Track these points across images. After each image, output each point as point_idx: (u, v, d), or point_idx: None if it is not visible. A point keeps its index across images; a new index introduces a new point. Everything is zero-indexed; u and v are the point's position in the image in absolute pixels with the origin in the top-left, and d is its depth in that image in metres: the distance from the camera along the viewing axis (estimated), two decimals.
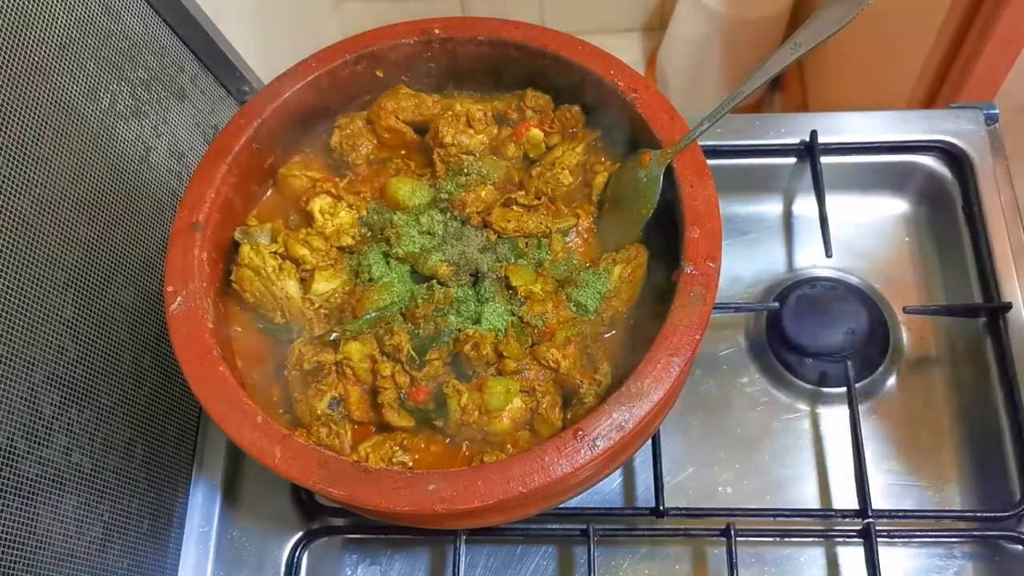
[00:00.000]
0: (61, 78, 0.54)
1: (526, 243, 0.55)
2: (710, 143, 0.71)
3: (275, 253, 0.55)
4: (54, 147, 0.53)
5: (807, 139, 0.72)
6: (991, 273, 0.66)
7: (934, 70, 0.80)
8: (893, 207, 0.75)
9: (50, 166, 0.52)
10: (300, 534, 0.64)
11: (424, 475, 0.44)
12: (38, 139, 0.51)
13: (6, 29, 0.48)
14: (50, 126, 0.52)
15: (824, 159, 0.71)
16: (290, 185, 0.59)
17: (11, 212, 0.48)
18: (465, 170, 0.57)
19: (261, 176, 0.58)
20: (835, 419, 0.66)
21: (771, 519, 0.61)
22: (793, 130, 0.73)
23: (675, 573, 0.62)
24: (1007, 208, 0.69)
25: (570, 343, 0.52)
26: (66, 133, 0.54)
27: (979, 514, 0.61)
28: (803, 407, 0.67)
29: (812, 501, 0.64)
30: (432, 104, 0.59)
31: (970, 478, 0.64)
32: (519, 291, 0.53)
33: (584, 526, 0.60)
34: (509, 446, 0.51)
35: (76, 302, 0.55)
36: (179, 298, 0.49)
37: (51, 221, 0.52)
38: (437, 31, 0.57)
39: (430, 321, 0.52)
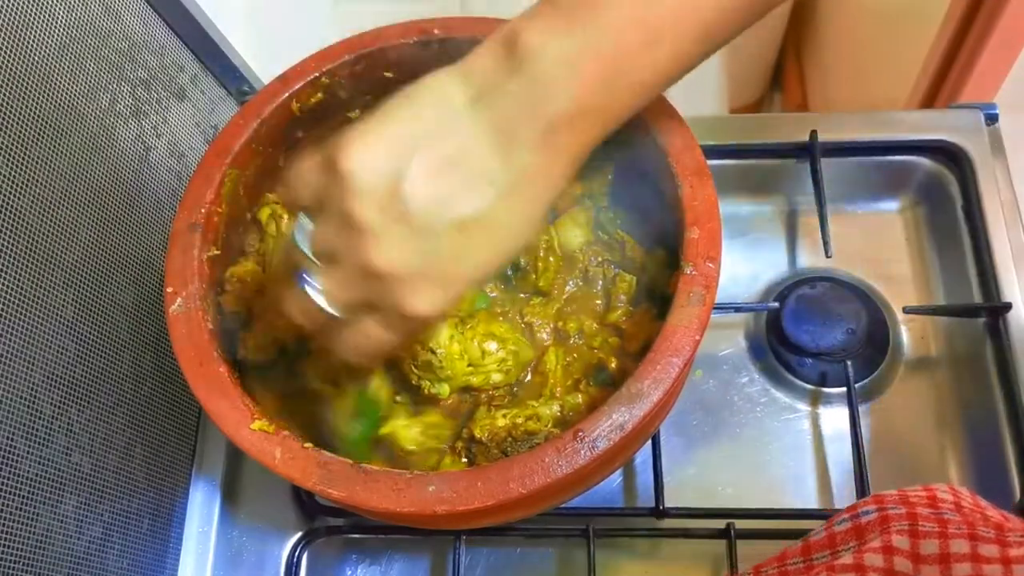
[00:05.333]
0: (61, 78, 0.54)
1: None
2: (710, 143, 0.71)
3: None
4: (54, 147, 0.53)
5: (807, 139, 0.72)
6: (991, 273, 0.66)
7: (934, 70, 0.80)
8: (893, 207, 0.75)
9: (50, 166, 0.52)
10: (300, 534, 0.64)
11: (424, 476, 0.44)
12: (38, 139, 0.51)
13: (6, 29, 0.48)
14: (50, 126, 0.52)
15: (824, 159, 0.71)
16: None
17: (11, 212, 0.48)
18: None
19: (261, 176, 0.58)
20: (835, 419, 0.66)
21: (771, 519, 0.61)
22: (793, 130, 0.73)
23: (675, 573, 0.62)
24: (1007, 208, 0.69)
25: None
26: (66, 133, 0.54)
27: None
28: (803, 407, 0.67)
29: (812, 501, 0.64)
30: None
31: (970, 478, 0.64)
32: None
33: (584, 526, 0.60)
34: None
35: (76, 302, 0.55)
36: (179, 299, 0.49)
37: (51, 221, 0.52)
38: (436, 31, 0.57)
39: None
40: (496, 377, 0.52)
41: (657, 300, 0.53)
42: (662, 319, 0.46)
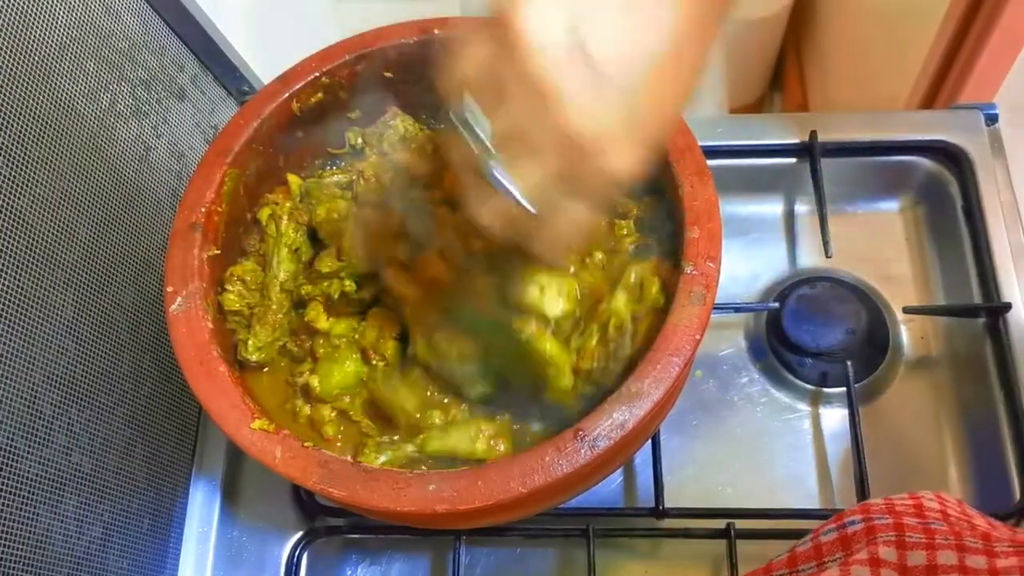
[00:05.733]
0: (61, 78, 0.54)
1: None
2: (710, 143, 0.71)
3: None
4: (54, 147, 0.53)
5: (807, 139, 0.72)
6: (991, 273, 0.66)
7: (934, 70, 0.80)
8: (893, 207, 0.75)
9: (50, 166, 0.52)
10: (300, 534, 0.64)
11: (424, 475, 0.44)
12: (38, 139, 0.51)
13: (6, 29, 0.48)
14: (50, 126, 0.52)
15: (824, 159, 0.71)
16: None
17: (11, 212, 0.48)
18: None
19: (261, 176, 0.58)
20: (835, 419, 0.66)
21: (771, 519, 0.61)
22: (793, 130, 0.73)
23: (675, 573, 0.62)
24: (1007, 208, 0.69)
25: None
26: (66, 133, 0.54)
27: None
28: (803, 407, 0.67)
29: (812, 501, 0.64)
30: None
31: (970, 478, 0.64)
32: None
33: (584, 526, 0.60)
34: None
35: (76, 302, 0.55)
36: (179, 298, 0.49)
37: (51, 220, 0.52)
38: (436, 31, 0.57)
39: None
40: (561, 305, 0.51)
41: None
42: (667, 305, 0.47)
